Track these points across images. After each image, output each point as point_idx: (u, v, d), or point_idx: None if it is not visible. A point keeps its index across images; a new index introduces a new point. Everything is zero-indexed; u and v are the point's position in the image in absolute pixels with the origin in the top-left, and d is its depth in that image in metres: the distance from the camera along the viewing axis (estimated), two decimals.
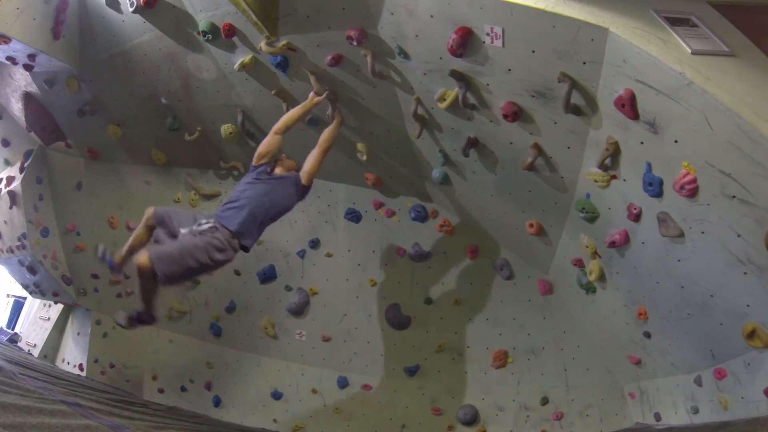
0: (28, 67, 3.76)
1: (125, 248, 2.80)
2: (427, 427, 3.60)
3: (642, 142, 2.02)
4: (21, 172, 4.44)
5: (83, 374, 4.46)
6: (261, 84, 3.28)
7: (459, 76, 2.46)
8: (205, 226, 2.58)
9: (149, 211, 2.73)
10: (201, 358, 4.32)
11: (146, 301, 2.62)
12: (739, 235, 1.83)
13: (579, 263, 2.98)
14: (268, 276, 4.05)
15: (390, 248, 3.76)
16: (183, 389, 4.31)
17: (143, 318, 2.70)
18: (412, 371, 3.70)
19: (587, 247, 2.78)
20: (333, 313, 3.89)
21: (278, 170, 2.96)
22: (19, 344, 5.49)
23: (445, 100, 2.65)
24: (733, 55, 1.85)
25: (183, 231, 2.61)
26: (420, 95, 2.81)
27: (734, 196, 1.76)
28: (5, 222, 4.63)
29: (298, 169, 3.00)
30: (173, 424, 2.98)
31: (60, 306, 5.13)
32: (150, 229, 2.71)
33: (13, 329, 6.26)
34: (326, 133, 3.06)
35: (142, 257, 2.41)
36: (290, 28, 2.82)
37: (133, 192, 4.51)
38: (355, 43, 2.67)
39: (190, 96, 3.63)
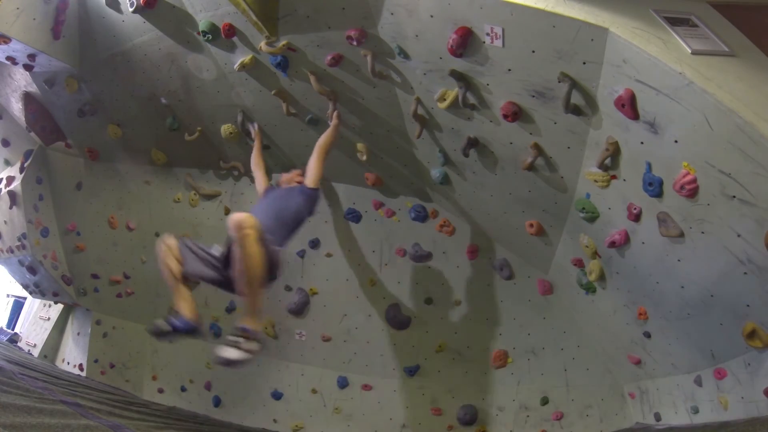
0: (28, 67, 3.76)
1: (175, 287, 2.45)
2: (427, 427, 3.60)
3: (642, 142, 2.02)
4: (21, 172, 4.44)
5: (83, 374, 4.46)
6: (261, 84, 3.28)
7: (459, 76, 2.46)
8: None
9: (170, 241, 2.49)
10: (201, 358, 4.31)
11: (253, 289, 2.25)
12: (739, 235, 1.83)
13: (579, 263, 2.98)
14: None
15: (390, 248, 3.76)
16: (183, 389, 4.31)
17: (254, 332, 2.27)
18: (412, 371, 3.70)
19: (587, 247, 2.78)
20: (333, 313, 3.89)
21: (284, 185, 3.15)
22: (19, 344, 5.49)
23: (445, 100, 2.65)
24: (733, 55, 1.85)
25: (216, 246, 2.55)
26: (420, 95, 2.81)
27: (734, 196, 1.76)
28: (5, 222, 4.63)
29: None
30: (173, 424, 2.98)
31: (60, 306, 5.12)
32: (178, 260, 2.47)
33: (13, 329, 6.26)
34: (322, 139, 3.13)
35: (238, 213, 2.21)
36: (290, 28, 2.82)
37: (133, 192, 4.51)
38: (355, 43, 2.67)
39: (190, 96, 3.63)
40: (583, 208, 2.59)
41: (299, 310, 3.95)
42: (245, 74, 3.23)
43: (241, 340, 2.21)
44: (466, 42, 2.26)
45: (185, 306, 2.42)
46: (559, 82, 2.13)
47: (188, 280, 2.50)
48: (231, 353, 2.18)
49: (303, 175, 3.17)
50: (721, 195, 1.80)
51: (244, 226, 2.19)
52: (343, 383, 3.84)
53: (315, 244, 3.91)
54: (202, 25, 3.05)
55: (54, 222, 4.57)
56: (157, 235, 4.41)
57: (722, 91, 1.66)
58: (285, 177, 3.23)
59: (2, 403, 1.75)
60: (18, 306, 6.57)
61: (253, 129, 3.58)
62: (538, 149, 2.53)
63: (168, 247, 2.49)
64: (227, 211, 4.18)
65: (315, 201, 3.05)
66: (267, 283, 2.37)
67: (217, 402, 4.17)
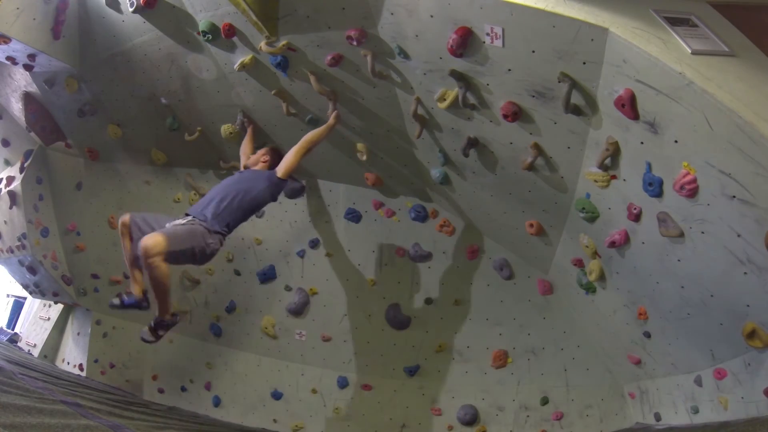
0: (28, 67, 3.76)
1: (129, 269, 2.78)
2: (427, 427, 3.60)
3: (642, 142, 2.03)
4: (21, 172, 4.44)
5: (83, 374, 4.46)
6: (261, 84, 3.28)
7: (459, 76, 2.46)
8: (185, 220, 2.69)
9: (125, 219, 2.71)
10: (201, 358, 4.32)
11: (162, 297, 2.60)
12: (739, 235, 1.83)
13: (579, 263, 2.98)
14: (268, 276, 4.05)
15: (390, 248, 3.76)
16: (183, 389, 4.31)
17: (166, 322, 2.74)
18: (412, 371, 3.70)
19: (587, 247, 2.78)
20: (333, 313, 3.89)
21: (251, 166, 3.18)
22: (19, 344, 5.49)
23: (445, 100, 2.65)
24: (733, 55, 1.85)
25: (167, 225, 2.67)
26: (420, 95, 2.81)
27: (734, 196, 1.76)
28: (5, 222, 4.63)
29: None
30: (173, 424, 2.98)
31: (60, 306, 5.12)
32: (132, 238, 2.69)
33: (13, 329, 6.26)
34: (312, 134, 3.12)
35: (149, 238, 2.40)
36: (290, 28, 2.82)
37: (133, 192, 4.51)
38: (355, 43, 2.67)
39: (190, 96, 3.63)
40: (583, 208, 2.59)
41: (299, 310, 3.96)
42: (245, 74, 3.23)
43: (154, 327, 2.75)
44: (466, 42, 2.26)
45: (135, 286, 2.79)
46: (559, 82, 2.13)
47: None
48: (147, 335, 2.78)
49: (268, 155, 3.18)
50: (721, 195, 1.80)
51: (149, 256, 2.38)
52: (343, 383, 3.84)
53: (315, 244, 3.91)
54: (202, 25, 3.05)
55: (54, 222, 4.57)
56: None
57: (722, 91, 1.66)
58: (252, 158, 3.22)
59: (2, 403, 1.75)
60: (18, 306, 6.57)
61: (241, 118, 3.59)
62: (538, 149, 2.53)
63: (123, 225, 2.70)
64: None
65: (280, 190, 3.11)
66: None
67: (217, 402, 4.17)
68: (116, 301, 2.78)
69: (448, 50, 2.33)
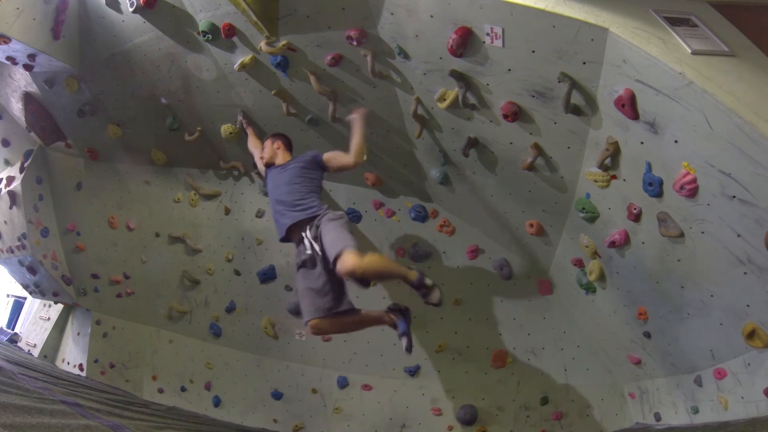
0: (28, 67, 3.75)
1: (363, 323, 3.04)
2: (427, 427, 3.60)
3: (642, 142, 2.03)
4: (21, 172, 4.43)
5: (83, 374, 4.45)
6: (261, 84, 3.28)
7: (459, 76, 2.46)
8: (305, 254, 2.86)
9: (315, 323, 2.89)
10: (201, 358, 4.31)
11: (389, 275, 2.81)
12: (739, 235, 1.83)
13: (579, 263, 2.98)
14: (268, 276, 4.05)
15: (390, 248, 3.76)
16: (183, 389, 4.31)
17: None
18: (412, 371, 3.70)
19: (587, 247, 2.78)
20: None
21: (279, 159, 3.17)
22: (19, 344, 5.48)
23: (445, 100, 2.65)
24: (733, 55, 1.85)
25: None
26: (420, 95, 2.81)
27: (734, 196, 1.76)
28: (5, 222, 4.62)
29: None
30: (173, 424, 2.97)
31: (60, 306, 5.12)
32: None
33: (13, 329, 6.26)
34: (356, 149, 3.04)
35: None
36: (290, 28, 2.82)
37: (133, 192, 4.51)
38: (355, 43, 2.67)
39: (190, 96, 3.63)
40: (583, 208, 2.59)
41: (299, 310, 3.94)
42: (245, 74, 3.23)
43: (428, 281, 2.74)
44: (466, 42, 2.26)
45: (370, 318, 3.00)
46: (559, 82, 2.13)
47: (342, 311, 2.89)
48: (438, 292, 2.79)
49: (278, 140, 3.21)
50: (721, 195, 1.80)
51: (359, 269, 2.48)
52: (343, 383, 3.84)
53: None
54: (202, 25, 3.05)
55: (54, 222, 4.56)
56: (157, 235, 4.42)
57: (722, 91, 1.66)
58: (267, 153, 3.18)
59: (2, 403, 1.75)
60: (18, 306, 6.57)
61: (240, 119, 3.59)
62: (538, 149, 2.53)
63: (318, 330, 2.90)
64: (227, 211, 4.18)
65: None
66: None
67: (217, 402, 4.17)
68: (401, 331, 2.84)
69: (448, 50, 2.33)
